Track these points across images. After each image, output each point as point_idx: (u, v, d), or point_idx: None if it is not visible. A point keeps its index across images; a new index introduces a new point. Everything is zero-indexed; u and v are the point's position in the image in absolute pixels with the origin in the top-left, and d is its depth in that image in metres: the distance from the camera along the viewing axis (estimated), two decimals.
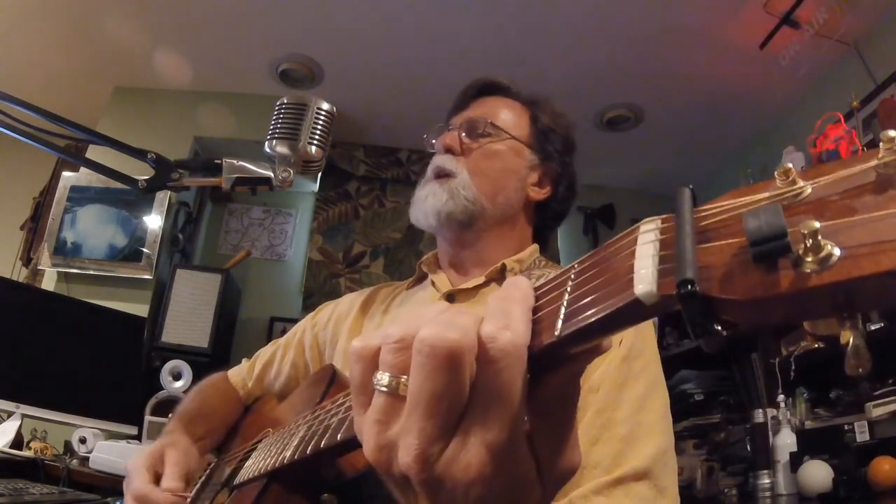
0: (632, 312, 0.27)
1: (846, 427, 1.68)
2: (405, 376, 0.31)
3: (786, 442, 1.84)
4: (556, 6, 2.47)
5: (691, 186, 0.31)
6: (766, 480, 1.86)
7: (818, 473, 1.64)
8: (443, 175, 0.96)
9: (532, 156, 1.00)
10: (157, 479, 0.79)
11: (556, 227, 1.08)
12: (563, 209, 1.06)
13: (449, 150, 0.97)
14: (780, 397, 1.95)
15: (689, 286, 0.24)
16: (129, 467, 0.81)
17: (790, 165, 0.27)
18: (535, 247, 1.02)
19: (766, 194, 0.27)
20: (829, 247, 0.23)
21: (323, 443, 0.47)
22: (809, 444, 1.78)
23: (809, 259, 0.23)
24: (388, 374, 0.32)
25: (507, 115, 1.01)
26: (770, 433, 1.92)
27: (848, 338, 0.25)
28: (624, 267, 0.29)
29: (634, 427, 0.72)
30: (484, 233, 0.96)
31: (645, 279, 0.27)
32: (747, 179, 2.87)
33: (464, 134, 0.98)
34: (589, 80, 2.86)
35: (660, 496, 0.70)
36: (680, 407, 2.32)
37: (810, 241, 0.23)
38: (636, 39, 2.61)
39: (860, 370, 0.26)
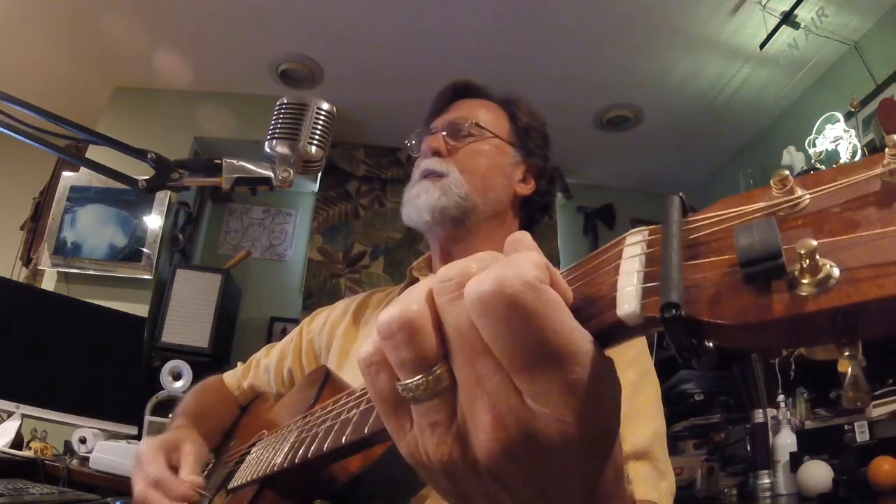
0: (615, 332, 0.26)
1: (846, 427, 1.68)
2: (437, 365, 0.28)
3: (786, 442, 1.84)
4: (556, 6, 2.47)
5: (681, 194, 0.28)
6: (766, 480, 1.86)
7: (818, 473, 1.64)
8: (434, 176, 0.97)
9: (515, 153, 1.03)
10: (171, 468, 0.79)
11: (541, 220, 1.10)
12: (546, 202, 1.08)
13: (436, 153, 0.99)
14: (780, 397, 1.95)
15: (674, 310, 0.23)
16: (140, 450, 0.80)
17: (787, 173, 0.24)
18: None
19: (762, 204, 0.25)
20: (829, 267, 0.21)
21: (311, 452, 0.47)
22: (809, 444, 1.78)
23: (806, 281, 0.21)
24: (418, 376, 0.28)
25: (488, 115, 1.03)
26: (770, 433, 1.91)
27: (846, 367, 0.22)
28: (608, 283, 0.27)
29: (630, 410, 0.73)
30: (475, 228, 0.98)
31: (628, 298, 0.25)
32: (747, 179, 2.87)
33: (448, 136, 1.00)
34: (589, 80, 2.86)
35: (660, 478, 0.71)
36: (680, 407, 2.32)
37: (807, 261, 0.21)
38: (636, 39, 2.61)
39: (859, 403, 0.23)
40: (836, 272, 0.21)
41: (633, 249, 0.27)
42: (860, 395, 0.23)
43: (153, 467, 0.77)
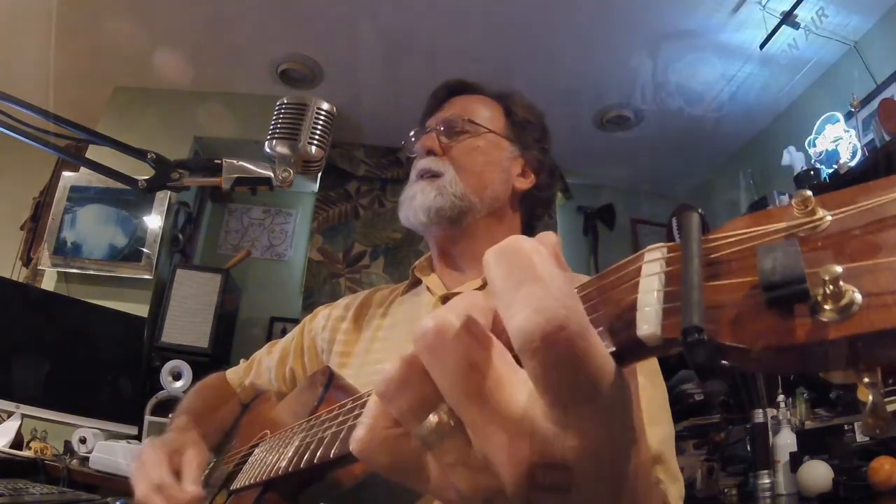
0: (633, 352, 0.25)
1: (846, 427, 1.68)
2: (438, 412, 0.27)
3: (786, 442, 1.84)
4: (555, 7, 2.47)
5: (700, 211, 0.28)
6: (766, 480, 1.86)
7: (818, 473, 1.64)
8: (429, 175, 0.96)
9: (511, 147, 1.01)
10: (173, 472, 0.78)
11: (543, 215, 1.09)
12: (547, 196, 1.07)
13: (430, 152, 0.98)
14: (780, 397, 1.95)
15: (696, 333, 0.22)
16: (142, 451, 0.80)
17: (809, 193, 0.24)
18: None
19: (783, 224, 0.24)
20: (851, 293, 0.21)
21: (316, 457, 0.47)
22: (809, 444, 1.78)
23: (828, 307, 0.21)
24: (433, 417, 0.27)
25: (482, 111, 1.02)
26: (770, 433, 1.91)
27: (866, 395, 0.22)
28: (627, 301, 0.26)
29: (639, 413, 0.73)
30: (473, 228, 0.97)
31: (649, 319, 0.24)
32: (747, 179, 2.88)
33: (442, 134, 0.99)
34: (589, 80, 2.86)
35: (671, 483, 0.71)
36: (680, 407, 2.32)
37: (831, 287, 0.21)
38: (636, 39, 2.61)
39: (878, 431, 0.23)
40: (858, 298, 0.20)
41: (652, 267, 0.27)
42: (879, 422, 0.23)
43: (156, 471, 0.76)
